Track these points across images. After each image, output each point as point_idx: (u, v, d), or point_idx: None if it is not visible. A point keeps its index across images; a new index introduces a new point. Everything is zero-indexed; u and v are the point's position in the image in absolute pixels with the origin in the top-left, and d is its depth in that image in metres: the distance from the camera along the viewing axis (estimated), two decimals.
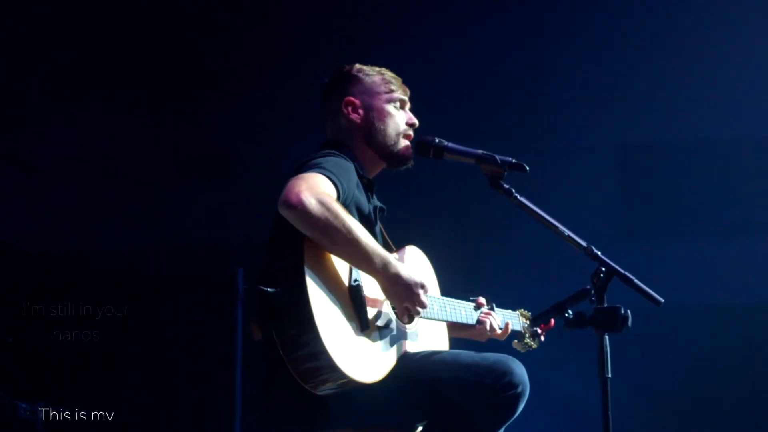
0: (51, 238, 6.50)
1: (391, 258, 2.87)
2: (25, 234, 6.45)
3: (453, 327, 3.38)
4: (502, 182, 2.95)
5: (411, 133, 3.27)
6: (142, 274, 6.19)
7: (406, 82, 3.33)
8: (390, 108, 3.22)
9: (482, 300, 3.43)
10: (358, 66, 3.27)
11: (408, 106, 3.30)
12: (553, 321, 3.50)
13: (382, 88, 3.24)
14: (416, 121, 3.27)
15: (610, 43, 6.40)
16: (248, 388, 5.74)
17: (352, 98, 3.21)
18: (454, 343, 3.35)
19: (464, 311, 3.31)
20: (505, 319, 3.50)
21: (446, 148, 3.05)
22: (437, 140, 3.05)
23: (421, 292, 2.90)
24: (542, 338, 3.63)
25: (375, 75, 3.25)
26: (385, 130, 3.20)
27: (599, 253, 2.81)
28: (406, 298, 2.88)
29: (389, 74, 3.28)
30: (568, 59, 6.43)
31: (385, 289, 2.88)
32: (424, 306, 2.93)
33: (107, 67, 6.43)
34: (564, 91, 6.45)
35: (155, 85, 6.52)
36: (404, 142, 3.24)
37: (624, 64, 6.41)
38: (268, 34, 6.51)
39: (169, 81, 6.53)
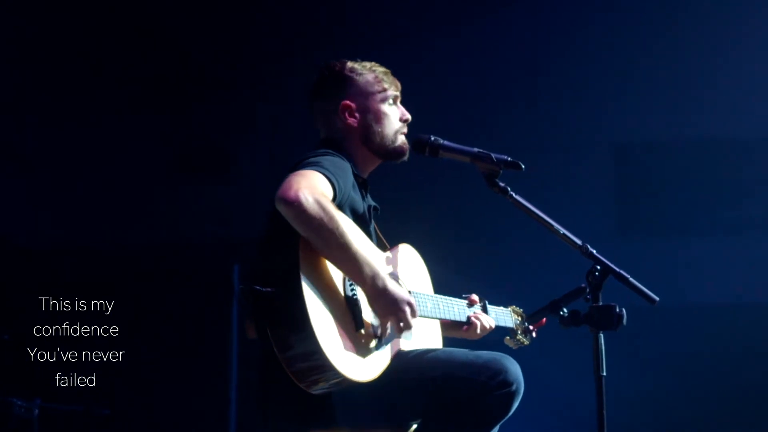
0: (46, 235, 6.49)
1: (382, 271, 2.84)
2: (23, 230, 6.44)
3: (446, 326, 3.38)
4: (497, 180, 2.94)
5: (405, 129, 3.26)
6: (138, 270, 6.19)
7: (402, 80, 3.32)
8: (385, 108, 3.21)
9: (474, 297, 3.42)
10: (349, 65, 3.23)
11: (399, 99, 3.29)
12: (545, 318, 3.50)
13: (376, 88, 3.21)
14: (409, 116, 3.26)
15: (606, 41, 6.41)
16: (244, 385, 5.75)
17: (348, 102, 3.18)
18: (447, 341, 3.35)
19: (457, 308, 3.31)
20: (497, 317, 3.50)
21: (442, 146, 3.04)
22: (433, 138, 3.05)
23: (407, 310, 2.85)
24: (534, 335, 3.63)
25: (367, 73, 3.23)
26: (382, 132, 3.19)
27: (594, 251, 2.82)
28: (390, 312, 2.84)
29: (380, 70, 3.26)
30: (564, 57, 6.44)
31: (370, 300, 2.85)
32: (408, 326, 2.87)
33: (106, 64, 6.44)
34: (560, 90, 6.47)
35: (153, 81, 6.52)
36: (401, 139, 3.23)
37: (620, 63, 6.42)
38: (266, 32, 6.51)
39: (167, 77, 6.52)
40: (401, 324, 2.86)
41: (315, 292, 2.76)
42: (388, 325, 2.88)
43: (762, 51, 6.33)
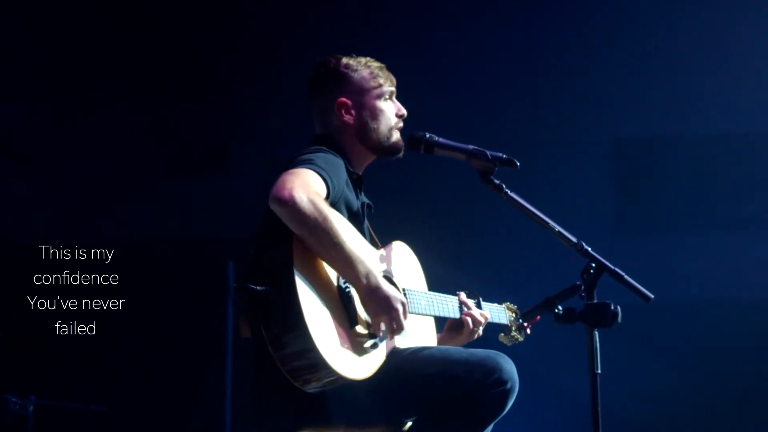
0: (41, 231, 6.48)
1: (376, 270, 2.85)
2: (17, 226, 6.43)
3: (443, 338, 3.37)
4: (493, 178, 2.93)
5: (401, 125, 3.25)
6: (132, 267, 6.18)
7: (399, 77, 3.31)
8: (381, 104, 3.20)
9: (463, 296, 3.39)
10: (344, 61, 3.22)
11: (395, 94, 3.28)
12: (539, 315, 3.49)
13: (372, 84, 3.20)
14: (404, 112, 3.26)
15: (604, 37, 6.39)
16: (239, 382, 5.74)
17: (344, 99, 3.17)
18: None
19: (451, 306, 3.30)
20: (491, 313, 3.48)
21: (437, 143, 3.03)
22: (428, 135, 3.04)
23: (400, 308, 2.85)
24: (528, 331, 3.61)
25: (362, 69, 3.21)
26: (378, 129, 3.19)
27: (589, 249, 2.81)
28: (383, 311, 2.83)
29: (375, 65, 3.24)
30: (562, 54, 6.43)
31: (363, 299, 2.85)
32: (400, 327, 2.86)
33: (103, 61, 6.43)
34: (558, 86, 6.45)
35: (150, 77, 6.52)
36: (396, 135, 3.23)
37: (618, 59, 6.40)
38: (263, 28, 6.50)
39: (164, 75, 6.52)
40: (393, 324, 2.86)
41: (309, 290, 2.76)
42: (381, 325, 2.87)
43: (762, 46, 6.32)
